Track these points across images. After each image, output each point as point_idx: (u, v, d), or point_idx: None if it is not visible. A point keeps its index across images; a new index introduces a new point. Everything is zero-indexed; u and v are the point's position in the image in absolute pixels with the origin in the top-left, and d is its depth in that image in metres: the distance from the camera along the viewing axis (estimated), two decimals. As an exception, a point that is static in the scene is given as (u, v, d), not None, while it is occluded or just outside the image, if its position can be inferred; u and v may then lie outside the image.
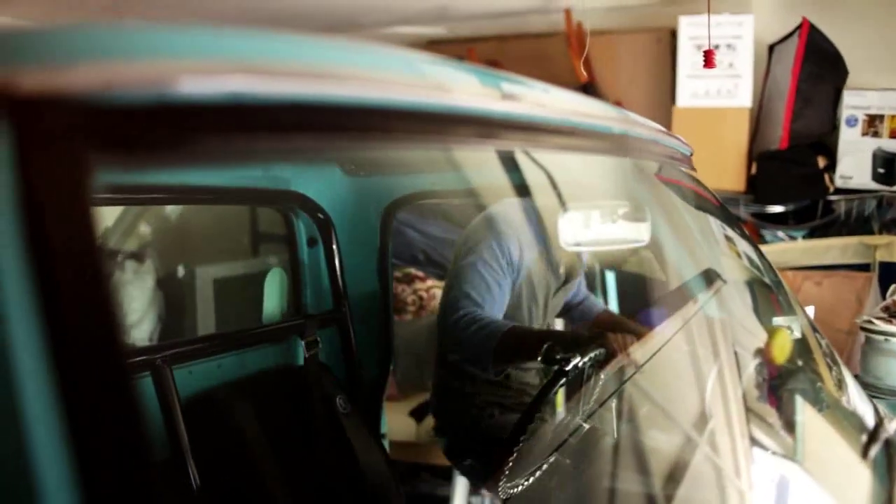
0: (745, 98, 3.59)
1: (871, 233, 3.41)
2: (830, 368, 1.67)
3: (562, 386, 1.23)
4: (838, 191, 3.53)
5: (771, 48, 3.68)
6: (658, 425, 1.20)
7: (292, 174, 1.77)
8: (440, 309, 1.85)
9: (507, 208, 1.81)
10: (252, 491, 1.50)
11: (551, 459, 1.03)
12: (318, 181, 1.84)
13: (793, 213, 3.62)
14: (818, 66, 3.44)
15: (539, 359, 1.35)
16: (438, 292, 3.22)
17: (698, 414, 1.20)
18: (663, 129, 1.34)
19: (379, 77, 0.49)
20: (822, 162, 3.55)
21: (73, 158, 0.37)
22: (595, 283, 3.03)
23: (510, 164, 1.02)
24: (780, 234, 3.60)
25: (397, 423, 2.89)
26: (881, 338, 2.12)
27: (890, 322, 2.14)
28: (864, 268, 3.24)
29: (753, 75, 3.57)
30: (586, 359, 1.25)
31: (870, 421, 1.57)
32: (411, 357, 3.13)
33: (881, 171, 3.44)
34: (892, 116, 3.44)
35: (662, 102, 3.77)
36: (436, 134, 0.56)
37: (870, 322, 2.16)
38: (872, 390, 2.02)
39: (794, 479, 1.19)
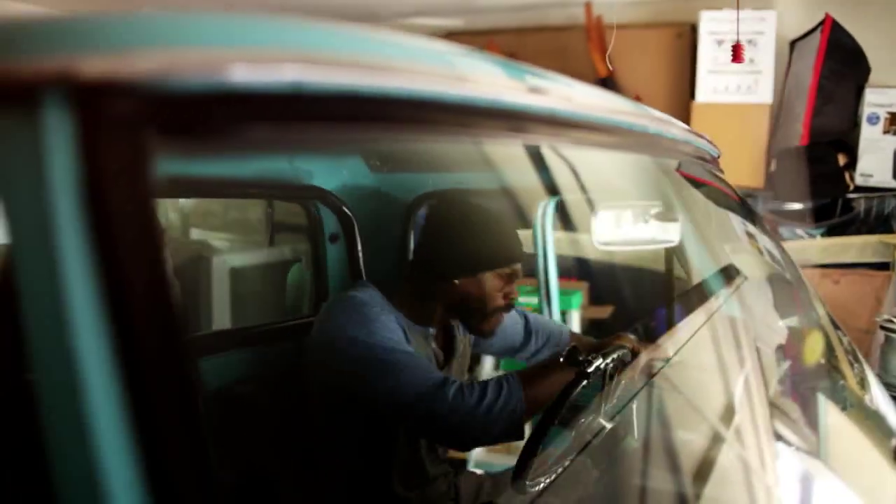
0: (765, 94, 3.56)
1: (890, 231, 3.39)
2: (852, 366, 1.66)
3: (584, 387, 1.22)
4: (858, 189, 3.50)
5: (792, 44, 3.64)
6: (683, 424, 1.20)
7: (316, 169, 1.77)
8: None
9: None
10: (277, 487, 1.51)
11: (574, 461, 1.02)
12: (343, 177, 1.84)
13: (812, 210, 3.60)
14: (840, 63, 3.40)
15: (561, 360, 1.31)
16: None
17: (723, 410, 1.20)
18: (691, 129, 1.33)
19: (429, 70, 0.49)
20: (842, 159, 3.52)
21: (134, 145, 0.38)
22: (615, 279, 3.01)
23: (539, 160, 1.01)
24: (799, 231, 3.58)
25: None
26: (901, 337, 2.11)
27: (910, 321, 2.13)
28: (883, 266, 3.22)
29: (775, 71, 3.54)
30: (608, 360, 1.24)
31: (892, 420, 1.56)
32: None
33: (902, 169, 3.42)
34: (915, 115, 3.41)
35: (681, 98, 3.75)
36: (480, 129, 0.56)
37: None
38: (892, 389, 2.01)
39: (819, 477, 1.19)
